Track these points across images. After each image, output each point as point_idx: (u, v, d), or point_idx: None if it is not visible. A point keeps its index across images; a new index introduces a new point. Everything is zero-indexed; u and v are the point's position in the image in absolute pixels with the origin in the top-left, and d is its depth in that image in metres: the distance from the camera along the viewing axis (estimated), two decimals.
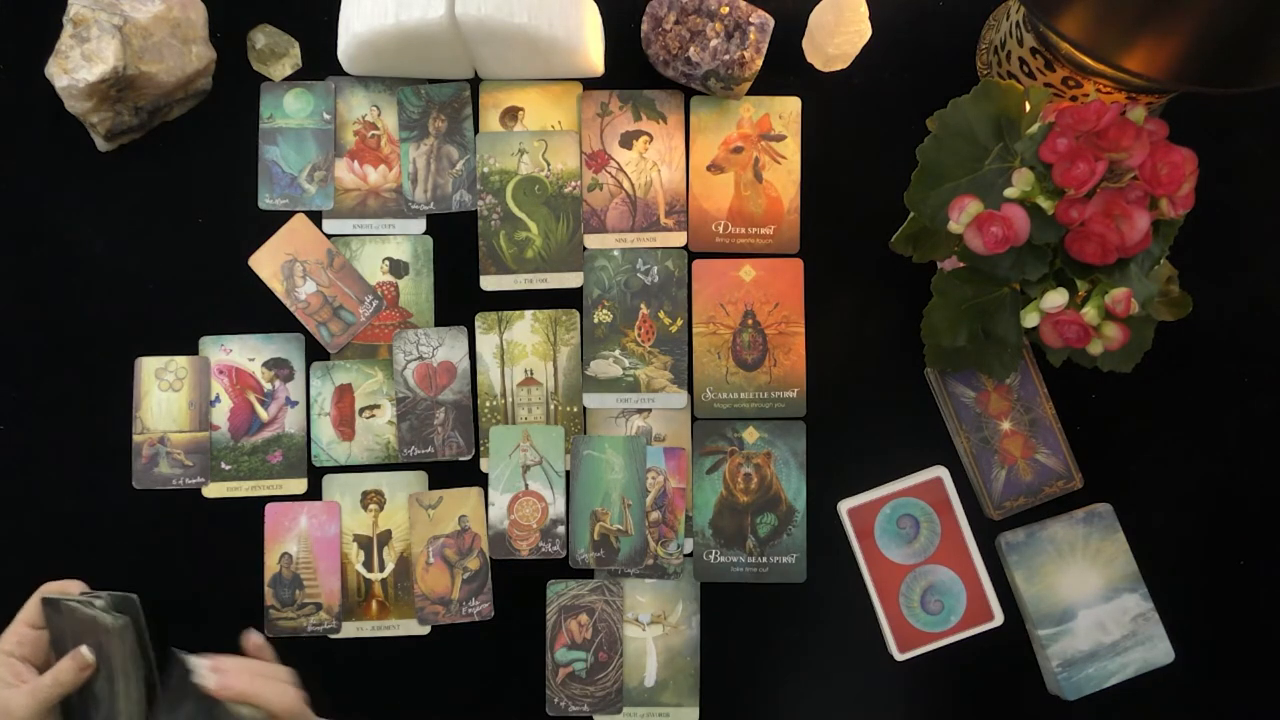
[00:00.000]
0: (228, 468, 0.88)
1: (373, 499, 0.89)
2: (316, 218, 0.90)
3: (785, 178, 0.91)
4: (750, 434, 0.89)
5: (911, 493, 0.89)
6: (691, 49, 0.85)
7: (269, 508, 0.88)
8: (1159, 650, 0.87)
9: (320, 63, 0.91)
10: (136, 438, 0.88)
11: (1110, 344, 0.71)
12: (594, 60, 0.88)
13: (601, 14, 0.89)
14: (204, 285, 0.89)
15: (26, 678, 0.70)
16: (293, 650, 0.87)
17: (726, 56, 0.85)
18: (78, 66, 0.82)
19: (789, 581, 0.89)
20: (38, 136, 0.90)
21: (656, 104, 0.91)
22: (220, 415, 0.89)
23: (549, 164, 0.91)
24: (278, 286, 0.89)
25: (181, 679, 0.69)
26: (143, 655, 0.73)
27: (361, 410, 0.89)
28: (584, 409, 0.90)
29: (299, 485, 0.89)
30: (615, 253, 0.90)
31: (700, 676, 0.88)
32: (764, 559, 0.88)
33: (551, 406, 0.89)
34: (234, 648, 0.87)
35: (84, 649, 0.70)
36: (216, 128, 0.91)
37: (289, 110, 0.91)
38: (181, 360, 0.89)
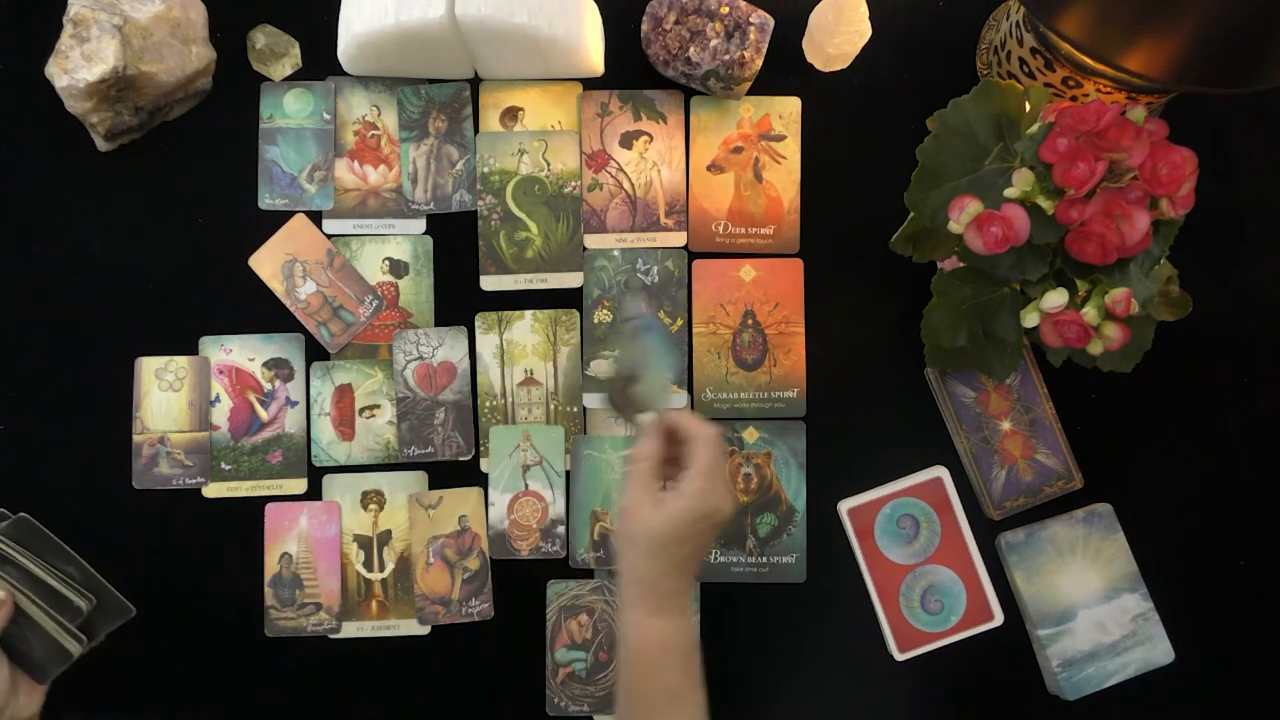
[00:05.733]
0: (228, 468, 0.88)
1: (373, 499, 0.89)
2: (316, 218, 0.90)
3: (785, 178, 0.91)
4: (750, 434, 0.89)
5: (911, 493, 0.89)
6: (691, 49, 0.85)
7: (269, 508, 0.88)
8: (1159, 650, 0.87)
9: (320, 63, 0.91)
10: (136, 438, 0.88)
11: (1110, 344, 0.71)
12: (594, 60, 0.88)
13: (601, 14, 0.89)
14: (204, 285, 0.89)
15: None
16: (292, 650, 0.87)
17: (726, 56, 0.85)
18: (78, 66, 0.82)
19: (789, 581, 0.89)
20: (38, 136, 0.90)
21: (656, 104, 0.91)
22: (220, 415, 0.89)
23: (549, 164, 0.91)
24: (278, 286, 0.89)
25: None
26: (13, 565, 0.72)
27: (361, 410, 0.89)
28: (584, 409, 0.90)
29: (299, 485, 0.88)
30: (615, 253, 0.90)
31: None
32: (764, 559, 0.88)
33: (551, 406, 0.89)
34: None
35: None
36: (216, 128, 0.91)
37: (289, 110, 0.91)
38: (181, 360, 0.89)
